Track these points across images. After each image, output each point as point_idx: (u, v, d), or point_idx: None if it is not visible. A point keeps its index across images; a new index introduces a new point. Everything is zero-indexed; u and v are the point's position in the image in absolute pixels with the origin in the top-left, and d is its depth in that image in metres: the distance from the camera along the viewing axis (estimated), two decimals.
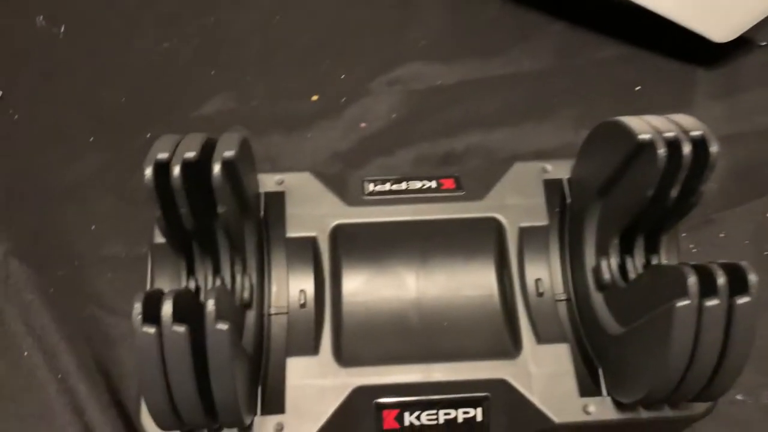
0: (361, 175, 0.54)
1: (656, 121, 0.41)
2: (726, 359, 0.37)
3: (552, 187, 0.52)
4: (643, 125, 0.41)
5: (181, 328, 0.34)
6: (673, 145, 0.39)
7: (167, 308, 0.34)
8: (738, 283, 0.36)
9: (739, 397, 0.50)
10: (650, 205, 0.42)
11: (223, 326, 0.34)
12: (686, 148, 0.39)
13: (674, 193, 0.40)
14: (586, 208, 0.48)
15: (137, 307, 0.34)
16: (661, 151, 0.39)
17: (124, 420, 0.49)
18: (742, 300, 0.35)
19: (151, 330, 0.34)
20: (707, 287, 0.36)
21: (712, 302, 0.35)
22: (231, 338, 0.35)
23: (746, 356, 0.37)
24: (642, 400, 0.41)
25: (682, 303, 0.35)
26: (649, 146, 0.39)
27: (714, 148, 0.39)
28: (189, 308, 0.36)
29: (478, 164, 0.60)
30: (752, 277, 0.36)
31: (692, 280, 0.35)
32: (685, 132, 0.40)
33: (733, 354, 0.36)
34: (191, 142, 0.40)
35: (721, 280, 0.35)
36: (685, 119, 0.41)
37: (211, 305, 0.34)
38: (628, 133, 0.41)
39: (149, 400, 0.36)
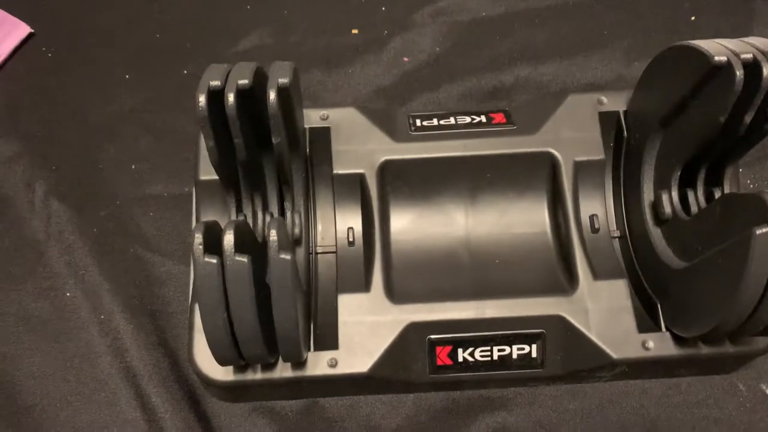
0: (406, 111, 0.53)
1: (730, 43, 0.39)
2: None
3: (608, 119, 0.50)
4: (718, 47, 0.38)
5: (243, 258, 0.33)
6: (751, 66, 0.37)
7: (229, 238, 0.33)
8: None
9: None
10: (720, 133, 0.40)
11: (286, 256, 0.33)
12: (766, 70, 0.36)
13: (748, 118, 0.39)
14: (645, 140, 0.46)
15: (198, 237, 0.33)
16: (739, 72, 0.37)
17: (170, 360, 0.49)
18: None
19: (213, 260, 0.33)
20: None
21: None
22: (294, 268, 0.34)
23: None
24: (709, 333, 0.40)
25: (762, 230, 0.34)
26: (725, 69, 0.37)
27: None
28: (247, 241, 0.35)
29: (528, 98, 0.58)
30: None
31: None
32: (763, 53, 0.37)
33: None
34: (243, 70, 0.38)
35: None
36: (761, 41, 0.39)
37: (274, 235, 0.33)
38: (701, 56, 0.39)
39: (210, 333, 0.36)
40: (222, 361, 0.39)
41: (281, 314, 0.35)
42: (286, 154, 0.41)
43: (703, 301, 0.40)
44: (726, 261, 0.37)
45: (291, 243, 0.43)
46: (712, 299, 0.38)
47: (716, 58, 0.37)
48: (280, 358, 0.43)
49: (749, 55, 0.37)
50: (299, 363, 0.43)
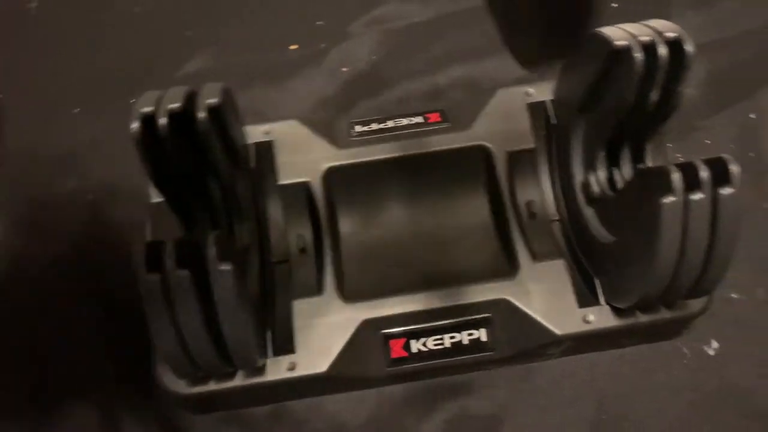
0: (347, 119, 0.55)
1: (631, 27, 0.42)
2: (714, 251, 0.38)
3: (536, 109, 0.52)
4: (619, 32, 0.41)
5: (184, 272, 0.35)
6: (649, 48, 0.39)
7: (169, 254, 0.35)
8: (721, 175, 0.37)
9: (734, 295, 0.52)
10: (632, 113, 0.42)
11: (226, 266, 0.35)
12: (662, 50, 0.39)
13: (654, 97, 0.41)
14: (570, 125, 0.48)
15: (139, 256, 0.35)
16: (638, 55, 0.39)
17: (137, 381, 0.51)
18: (725, 191, 0.36)
19: (155, 276, 0.35)
20: (691, 182, 0.37)
21: (696, 196, 0.36)
22: (235, 278, 0.36)
23: (734, 247, 0.38)
24: (638, 302, 0.42)
25: (668, 199, 0.36)
26: (625, 52, 0.40)
27: (689, 47, 0.39)
28: (192, 257, 0.37)
29: (463, 97, 0.60)
30: (734, 168, 0.36)
31: (676, 176, 0.36)
32: (660, 34, 0.40)
33: (721, 245, 0.37)
34: (174, 94, 0.40)
35: (704, 173, 0.36)
36: (659, 23, 0.42)
37: (211, 247, 0.35)
38: (604, 42, 0.41)
39: (161, 347, 0.37)
40: (179, 373, 0.40)
41: (227, 324, 0.37)
42: (226, 171, 0.43)
43: (630, 272, 0.42)
44: (642, 231, 0.39)
45: (239, 255, 0.45)
46: (636, 269, 0.41)
47: (617, 43, 0.40)
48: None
49: (648, 38, 0.40)
50: (258, 369, 0.45)
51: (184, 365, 0.39)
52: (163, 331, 0.36)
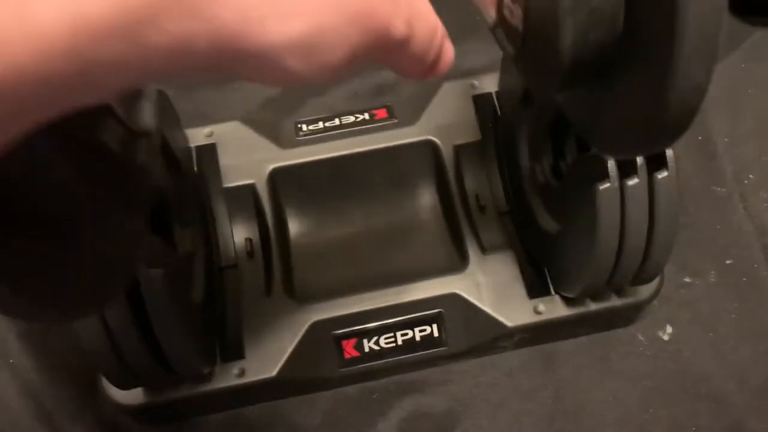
0: (294, 118, 0.54)
1: None
2: (654, 235, 0.38)
3: (482, 101, 0.52)
4: None
5: None
6: None
7: None
8: (657, 160, 0.37)
9: (687, 279, 0.52)
10: None
11: (154, 272, 0.34)
12: None
13: None
14: (516, 116, 0.48)
15: None
16: None
17: (85, 394, 0.49)
18: (661, 175, 0.36)
19: None
20: (628, 169, 0.36)
21: (632, 181, 0.36)
22: (165, 283, 0.35)
23: (674, 230, 0.38)
24: (585, 289, 0.42)
25: (604, 185, 0.36)
26: None
27: None
28: None
29: (410, 92, 0.60)
30: (669, 153, 0.36)
31: (611, 163, 0.36)
32: None
33: (661, 229, 0.37)
34: None
35: (639, 158, 0.36)
36: None
37: (140, 253, 0.34)
38: None
39: (93, 356, 0.36)
40: (118, 383, 0.39)
41: (161, 332, 0.36)
42: (161, 175, 0.42)
43: (574, 260, 0.42)
44: (583, 218, 0.39)
45: (177, 261, 0.44)
46: (580, 256, 0.41)
47: None
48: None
49: None
50: (206, 377, 0.44)
51: (119, 374, 0.38)
52: (93, 340, 0.35)
